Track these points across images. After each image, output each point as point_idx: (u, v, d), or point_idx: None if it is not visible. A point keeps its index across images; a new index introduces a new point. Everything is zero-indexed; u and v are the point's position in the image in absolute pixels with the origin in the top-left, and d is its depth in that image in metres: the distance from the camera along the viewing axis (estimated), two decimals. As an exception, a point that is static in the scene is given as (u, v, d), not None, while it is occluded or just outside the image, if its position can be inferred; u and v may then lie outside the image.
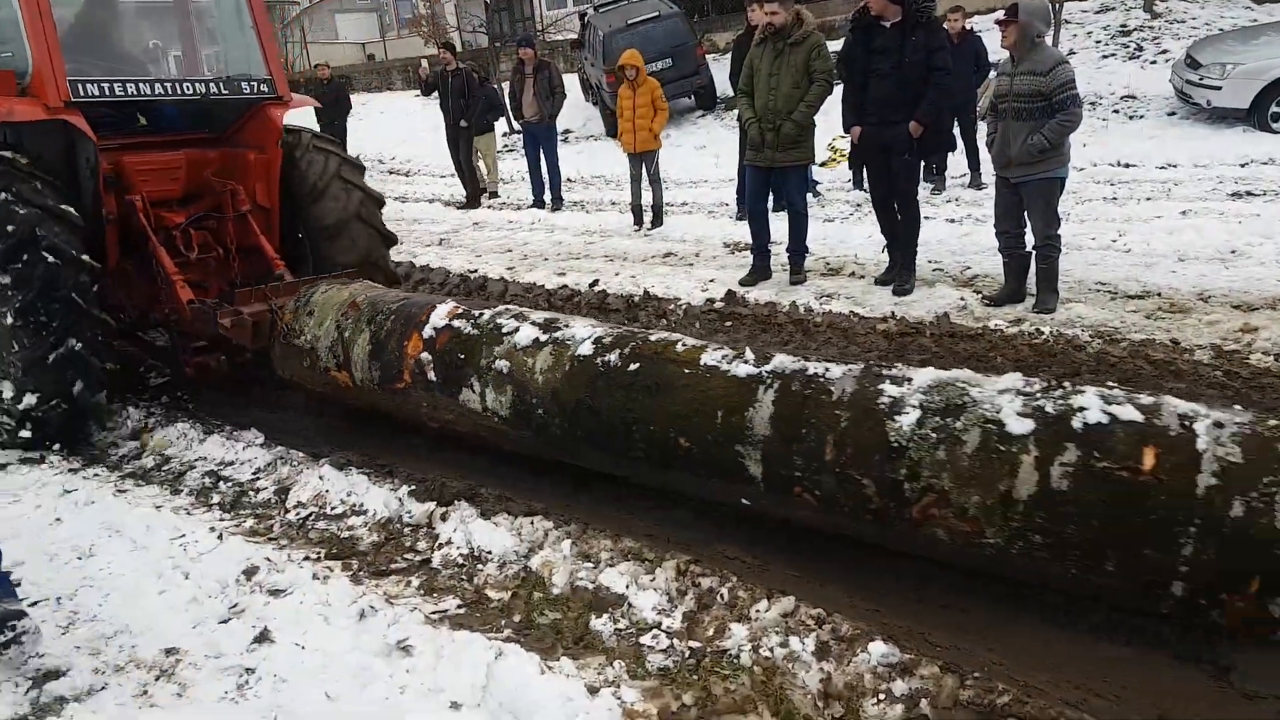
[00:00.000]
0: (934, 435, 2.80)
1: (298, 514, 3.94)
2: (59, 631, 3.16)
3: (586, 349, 3.65)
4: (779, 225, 7.21)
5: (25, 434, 4.67)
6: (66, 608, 3.32)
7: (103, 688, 2.84)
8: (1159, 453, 2.52)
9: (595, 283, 7.16)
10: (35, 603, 3.34)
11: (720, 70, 14.97)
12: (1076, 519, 2.58)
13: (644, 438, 3.42)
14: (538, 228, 10.22)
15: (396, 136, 18.56)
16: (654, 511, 3.73)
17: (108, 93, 4.96)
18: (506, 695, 2.56)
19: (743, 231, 8.06)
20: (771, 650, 2.68)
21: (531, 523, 3.55)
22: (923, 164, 9.75)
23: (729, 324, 6.09)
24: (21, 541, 3.79)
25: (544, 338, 3.79)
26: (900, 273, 6.36)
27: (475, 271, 7.79)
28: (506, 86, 11.92)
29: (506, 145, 16.12)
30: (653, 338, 3.66)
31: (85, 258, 4.65)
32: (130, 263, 5.32)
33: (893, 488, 2.87)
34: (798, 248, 6.88)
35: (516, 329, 3.89)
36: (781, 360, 3.28)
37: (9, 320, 4.47)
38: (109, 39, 5.68)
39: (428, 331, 4.08)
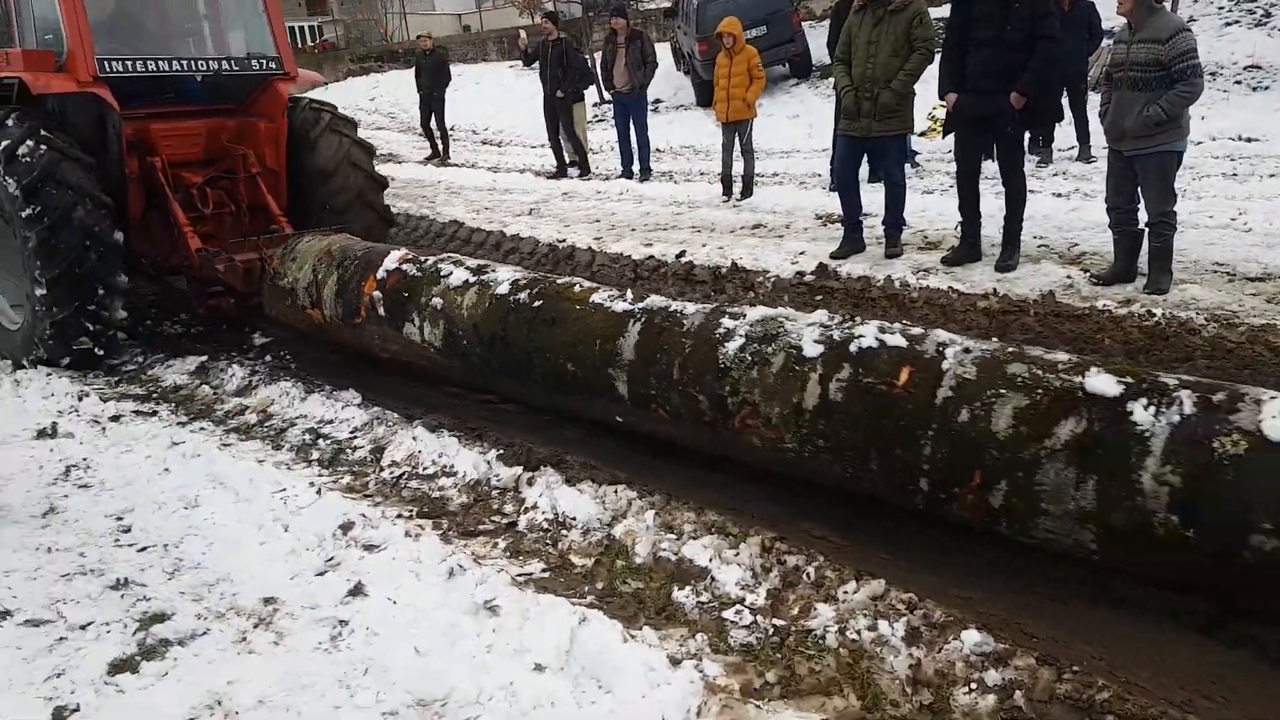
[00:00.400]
0: (750, 358, 3.34)
1: (392, 473, 4.03)
2: (165, 577, 3.31)
3: (504, 289, 4.20)
4: (872, 197, 7.03)
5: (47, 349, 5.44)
6: (173, 554, 3.47)
7: (204, 633, 2.95)
8: (912, 371, 3.01)
9: (682, 253, 7.10)
10: (144, 548, 3.51)
11: (816, 38, 14.63)
12: (848, 425, 3.10)
13: (541, 363, 3.98)
14: (625, 198, 10.19)
15: (491, 108, 18.73)
16: (738, 485, 3.70)
17: (131, 69, 5.65)
18: (589, 660, 2.57)
19: (836, 203, 7.88)
20: (859, 633, 2.63)
21: (615, 491, 3.56)
22: (1027, 136, 9.41)
23: (819, 298, 5.97)
24: (133, 489, 3.99)
25: (472, 279, 4.36)
26: (1004, 248, 6.14)
27: (563, 241, 7.82)
28: (598, 56, 11.87)
29: (596, 115, 16.09)
30: (558, 281, 4.24)
31: (99, 194, 5.38)
32: (154, 216, 6.00)
33: (719, 402, 3.41)
34: (895, 220, 6.70)
35: (451, 272, 4.46)
36: (653, 300, 3.87)
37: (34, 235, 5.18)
38: (138, 23, 6.32)
39: (380, 273, 4.66)
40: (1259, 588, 2.47)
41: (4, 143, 5.22)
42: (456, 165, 13.71)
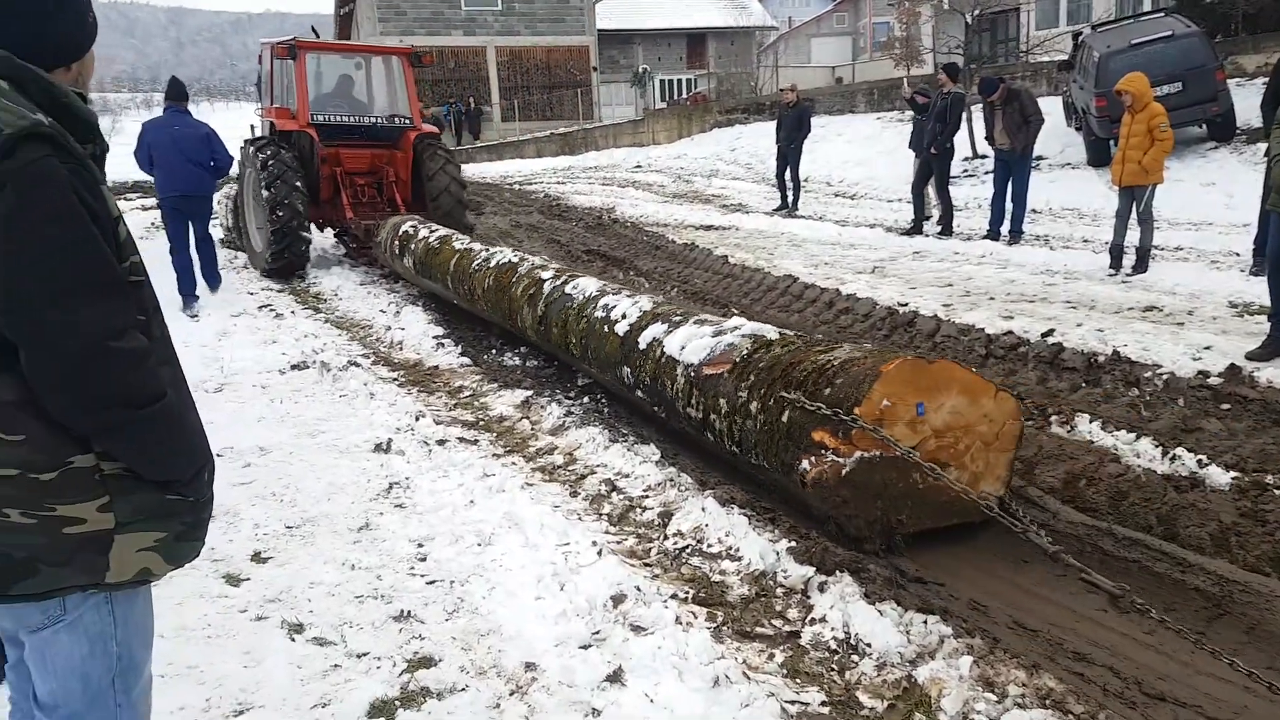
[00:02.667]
0: (478, 268, 7.10)
1: (675, 543, 3.73)
2: (444, 616, 3.27)
3: (433, 241, 8.11)
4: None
5: (269, 264, 9.96)
6: (456, 592, 3.43)
7: (463, 689, 2.84)
8: (513, 273, 6.57)
9: (1050, 332, 6.17)
10: (433, 581, 3.52)
11: (1243, 97, 12.54)
12: (494, 294, 6.68)
13: (434, 271, 7.87)
14: (987, 262, 9.24)
15: (851, 159, 18.33)
16: (1083, 642, 2.92)
17: (326, 120, 10.35)
18: None
19: (1257, 290, 6.47)
20: None
21: (925, 622, 2.95)
22: None
23: (1225, 406, 4.81)
24: (438, 517, 4.07)
25: (426, 235, 8.33)
26: None
27: (905, 305, 7.16)
28: (979, 110, 11.14)
29: (965, 170, 15.09)
30: (453, 239, 8.12)
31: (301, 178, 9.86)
32: (336, 199, 10.60)
33: (470, 289, 7.13)
34: (1337, 320, 5.29)
35: (421, 232, 8.52)
36: (468, 242, 7.94)
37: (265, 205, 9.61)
38: (337, 95, 10.96)
39: (401, 231, 8.81)
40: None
41: (265, 154, 9.64)
42: (803, 217, 13.43)
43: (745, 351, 4.10)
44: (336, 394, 5.94)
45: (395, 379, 6.33)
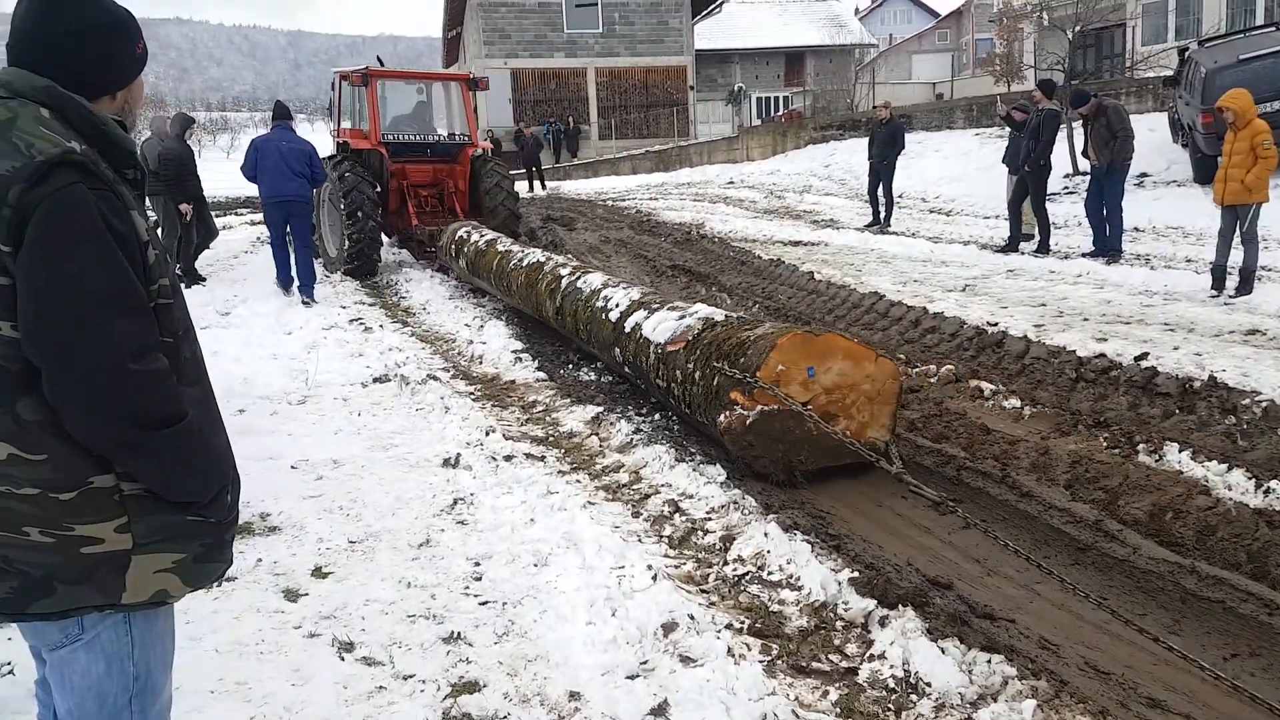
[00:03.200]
0: (513, 267, 8.18)
1: (735, 570, 3.64)
2: (493, 639, 3.24)
3: (481, 245, 9.30)
4: None
5: (345, 266, 11.35)
6: (508, 614, 3.40)
7: (505, 716, 2.80)
8: (540, 269, 7.58)
9: (1144, 355, 5.86)
10: (486, 602, 3.51)
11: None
12: (526, 286, 7.72)
13: (480, 270, 9.01)
14: (1083, 281, 8.84)
15: (947, 175, 17.86)
16: (1162, 682, 2.71)
17: (395, 139, 11.80)
18: None
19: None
20: None
21: (989, 662, 2.80)
22: None
23: (1334, 439, 4.45)
24: (498, 535, 4.05)
25: (475, 239, 9.56)
26: None
27: (995, 325, 6.88)
28: (1079, 127, 10.76)
29: (1066, 187, 14.54)
30: (497, 243, 9.14)
31: (375, 191, 11.23)
32: (403, 208, 11.94)
33: (508, 282, 8.27)
34: None
35: (474, 236, 9.68)
36: (506, 243, 9.25)
37: (343, 213, 11.01)
38: (405, 117, 12.53)
39: (457, 235, 10.04)
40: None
41: (342, 169, 10.98)
42: (895, 234, 13.12)
43: (697, 331, 5.01)
44: (413, 407, 6.02)
45: (471, 393, 6.39)
